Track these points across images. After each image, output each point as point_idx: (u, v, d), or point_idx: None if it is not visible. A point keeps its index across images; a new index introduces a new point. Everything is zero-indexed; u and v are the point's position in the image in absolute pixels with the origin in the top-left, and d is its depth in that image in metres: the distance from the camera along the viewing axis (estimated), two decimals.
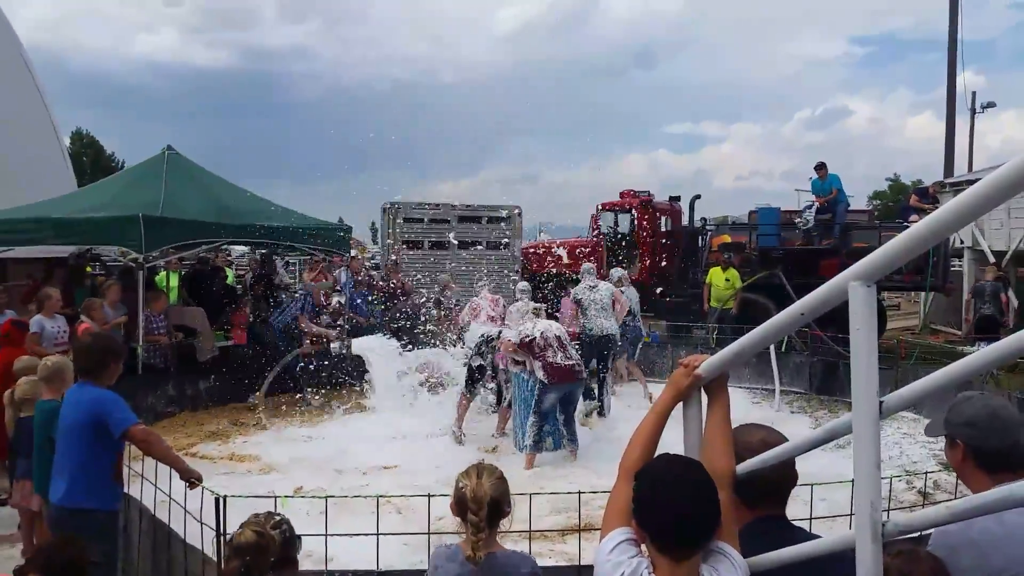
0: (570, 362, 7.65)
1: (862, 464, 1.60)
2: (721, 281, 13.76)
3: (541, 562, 4.73)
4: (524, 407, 8.08)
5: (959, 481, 2.45)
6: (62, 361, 5.01)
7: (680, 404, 2.18)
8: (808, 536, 2.18)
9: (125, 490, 4.84)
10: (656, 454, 2.08)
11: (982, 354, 1.49)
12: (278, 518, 2.69)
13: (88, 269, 12.29)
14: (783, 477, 2.21)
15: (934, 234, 1.44)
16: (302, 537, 2.85)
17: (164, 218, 9.49)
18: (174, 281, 13.39)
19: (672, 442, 2.17)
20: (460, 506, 2.74)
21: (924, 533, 3.10)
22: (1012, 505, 1.43)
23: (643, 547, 1.92)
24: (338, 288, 12.90)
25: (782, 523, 2.22)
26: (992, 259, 17.05)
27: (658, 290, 15.80)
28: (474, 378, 8.80)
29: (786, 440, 2.23)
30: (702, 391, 2.16)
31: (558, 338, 7.74)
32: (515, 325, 8.30)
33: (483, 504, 2.68)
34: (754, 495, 2.11)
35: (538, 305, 8.58)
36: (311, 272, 14.83)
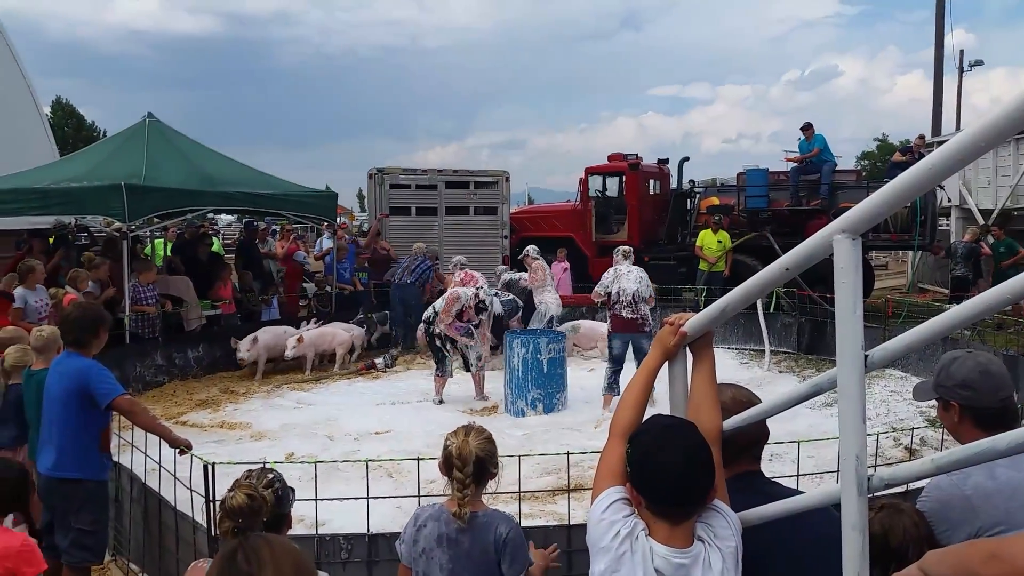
0: (633, 316, 8.30)
1: (847, 418, 1.60)
2: (713, 243, 13.76)
3: (532, 522, 4.80)
4: (511, 372, 8.41)
5: (945, 437, 2.46)
6: (56, 331, 4.97)
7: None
8: (786, 491, 2.19)
9: (115, 459, 4.85)
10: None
11: (963, 308, 1.48)
12: (271, 476, 2.67)
13: (70, 238, 12.15)
14: (759, 433, 2.23)
15: (919, 184, 1.42)
16: (294, 501, 2.85)
17: (147, 187, 9.37)
18: (159, 250, 13.30)
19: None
20: (447, 463, 2.76)
21: (912, 488, 3.15)
22: (994, 456, 1.43)
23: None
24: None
25: (761, 479, 2.24)
26: (979, 218, 17.11)
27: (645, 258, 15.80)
28: (441, 355, 8.87)
29: (755, 397, 2.26)
30: (687, 349, 2.16)
31: (632, 295, 8.30)
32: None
33: (468, 461, 2.70)
34: (732, 452, 2.12)
35: (627, 248, 9.09)
36: (283, 241, 14.77)
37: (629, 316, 8.32)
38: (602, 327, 10.73)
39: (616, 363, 8.39)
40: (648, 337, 8.28)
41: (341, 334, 10.80)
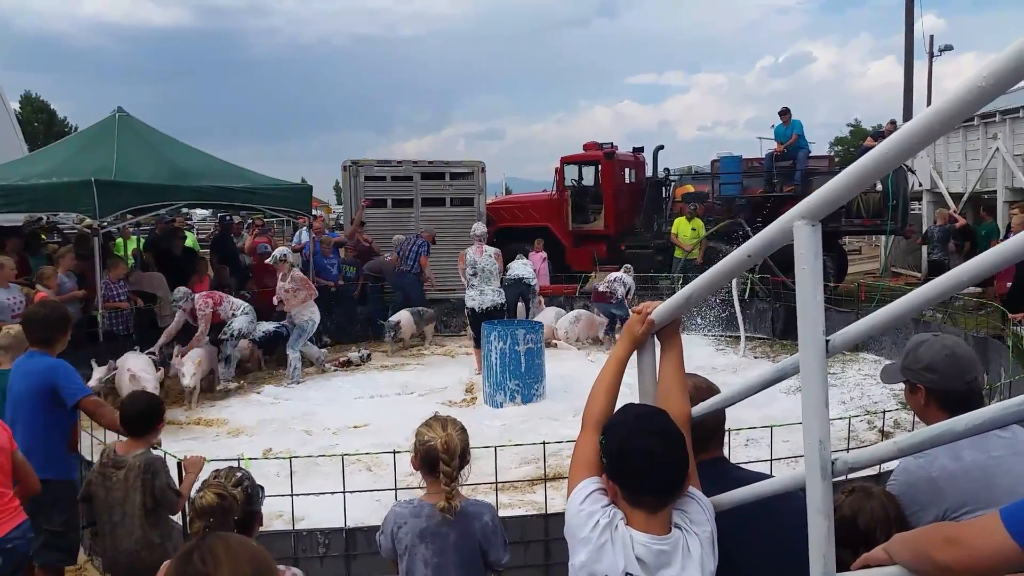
0: (605, 290, 11.13)
1: (810, 403, 1.61)
2: (688, 231, 13.83)
3: (511, 512, 4.82)
4: (489, 365, 8.41)
5: (918, 420, 2.49)
6: (23, 331, 4.91)
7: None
8: (753, 475, 2.22)
9: (88, 458, 4.80)
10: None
11: (922, 291, 1.49)
12: (239, 475, 2.68)
13: (43, 237, 11.99)
14: (720, 420, 2.26)
15: (875, 170, 1.43)
16: (267, 497, 2.85)
17: (118, 182, 9.23)
18: (130, 247, 13.14)
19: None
20: (428, 458, 2.73)
21: (885, 471, 3.20)
22: (953, 438, 1.45)
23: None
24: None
25: (727, 465, 2.26)
26: (950, 201, 17.30)
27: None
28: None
29: (714, 385, 2.29)
30: (655, 338, 2.17)
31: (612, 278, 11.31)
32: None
33: (455, 454, 2.71)
34: (701, 439, 2.13)
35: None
36: (251, 235, 14.66)
37: (603, 290, 11.16)
38: (599, 318, 11.57)
39: (609, 320, 11.22)
40: (615, 306, 11.02)
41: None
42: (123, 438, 3.73)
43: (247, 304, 9.62)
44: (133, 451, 3.57)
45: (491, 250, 9.76)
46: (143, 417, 3.64)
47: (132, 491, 3.48)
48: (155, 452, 3.74)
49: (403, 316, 11.42)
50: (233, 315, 9.25)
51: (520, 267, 11.29)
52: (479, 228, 9.99)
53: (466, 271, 9.65)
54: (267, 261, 10.21)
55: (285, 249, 10.10)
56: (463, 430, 2.83)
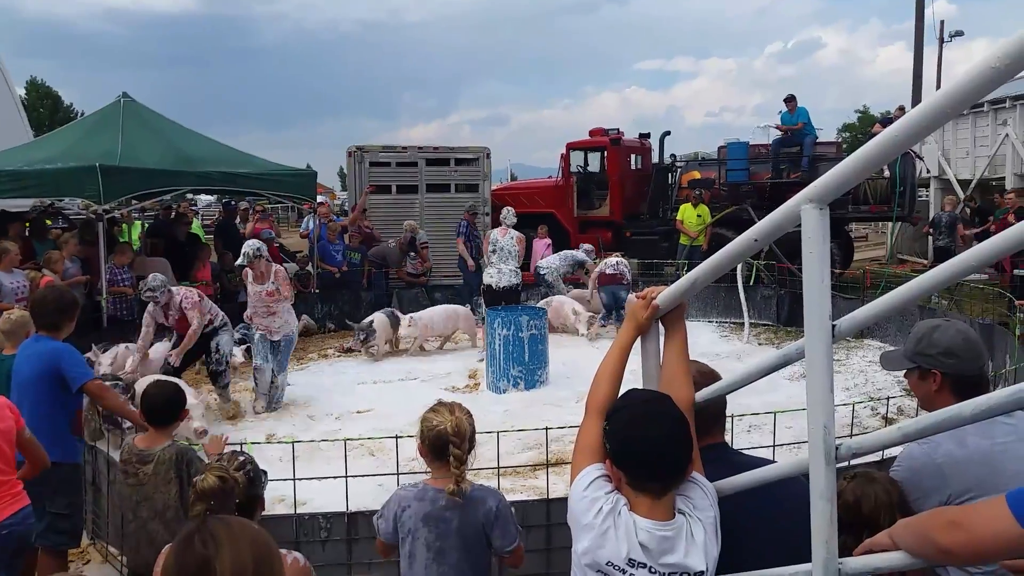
0: (614, 272, 10.66)
1: (815, 388, 1.59)
2: (693, 218, 13.77)
3: (513, 497, 4.81)
4: (492, 351, 8.43)
5: (920, 408, 2.46)
6: (25, 315, 4.90)
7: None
8: (754, 461, 2.21)
9: (92, 442, 4.81)
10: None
11: (928, 276, 1.48)
12: (242, 458, 2.68)
13: (48, 222, 12.00)
14: (722, 405, 2.25)
15: (884, 153, 1.41)
16: (269, 481, 2.84)
17: (123, 167, 9.25)
18: (134, 233, 13.16)
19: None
20: (438, 443, 2.73)
21: (888, 457, 3.18)
22: (960, 423, 1.44)
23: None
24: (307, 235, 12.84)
25: (728, 450, 2.26)
26: (958, 188, 17.20)
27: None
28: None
29: (716, 371, 2.28)
30: (659, 323, 2.15)
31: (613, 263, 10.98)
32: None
33: (465, 437, 2.73)
34: (705, 424, 2.12)
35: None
36: (253, 221, 14.63)
37: (611, 272, 10.65)
38: (569, 305, 11.10)
39: (607, 308, 10.65)
40: (625, 288, 10.61)
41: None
42: (127, 425, 3.73)
43: (223, 314, 7.98)
44: (158, 444, 3.52)
45: (515, 233, 10.29)
46: (168, 408, 3.58)
47: (165, 484, 3.43)
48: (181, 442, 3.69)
49: (378, 318, 10.01)
50: (211, 323, 7.69)
51: (549, 259, 12.04)
52: (510, 217, 10.48)
53: (488, 249, 10.30)
54: (238, 262, 8.03)
55: (257, 243, 7.88)
56: (470, 414, 2.85)
